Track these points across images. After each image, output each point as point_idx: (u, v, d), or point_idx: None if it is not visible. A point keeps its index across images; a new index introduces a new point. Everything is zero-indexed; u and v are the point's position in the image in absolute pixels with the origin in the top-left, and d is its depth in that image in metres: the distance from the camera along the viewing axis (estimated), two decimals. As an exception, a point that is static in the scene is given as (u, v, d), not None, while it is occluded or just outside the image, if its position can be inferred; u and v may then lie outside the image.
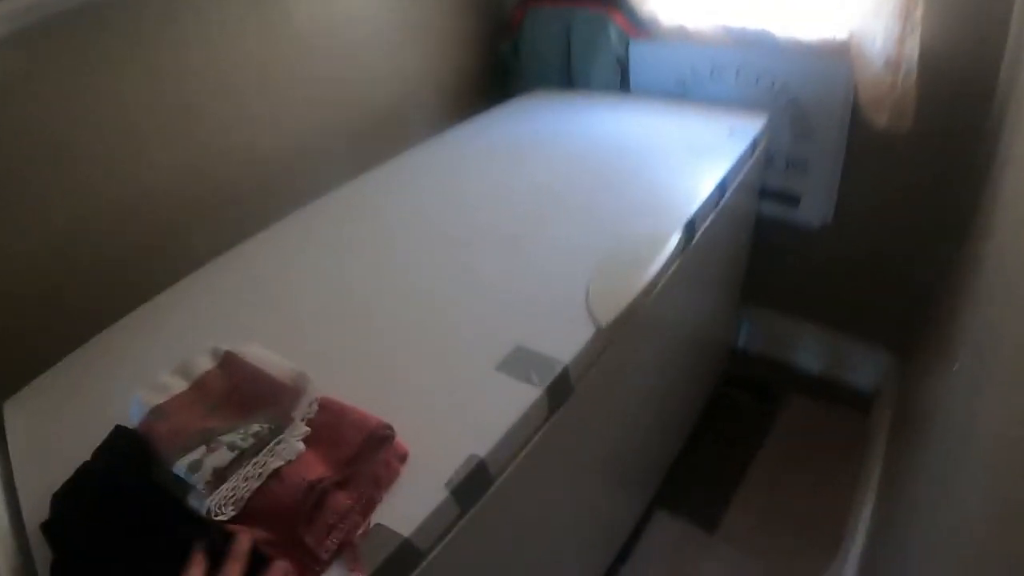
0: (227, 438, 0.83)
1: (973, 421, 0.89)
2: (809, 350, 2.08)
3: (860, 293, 1.88)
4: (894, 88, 1.45)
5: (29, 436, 0.93)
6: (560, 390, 0.96)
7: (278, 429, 0.86)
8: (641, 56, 1.85)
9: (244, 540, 0.72)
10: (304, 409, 0.89)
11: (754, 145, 1.50)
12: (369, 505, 0.79)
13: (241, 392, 0.92)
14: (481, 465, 0.83)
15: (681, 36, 1.76)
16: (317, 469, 0.79)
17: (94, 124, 1.24)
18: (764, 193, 1.81)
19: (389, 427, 0.84)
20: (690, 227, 1.23)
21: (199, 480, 0.79)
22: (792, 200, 1.80)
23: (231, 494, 0.78)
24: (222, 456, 0.81)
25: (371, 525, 0.77)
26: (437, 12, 1.91)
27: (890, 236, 1.74)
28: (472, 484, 0.84)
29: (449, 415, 0.91)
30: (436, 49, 1.95)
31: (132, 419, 0.88)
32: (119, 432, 0.87)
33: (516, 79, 2.08)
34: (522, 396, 0.90)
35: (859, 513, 1.56)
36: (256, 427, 0.85)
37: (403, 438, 0.85)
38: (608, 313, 1.02)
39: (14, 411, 1.00)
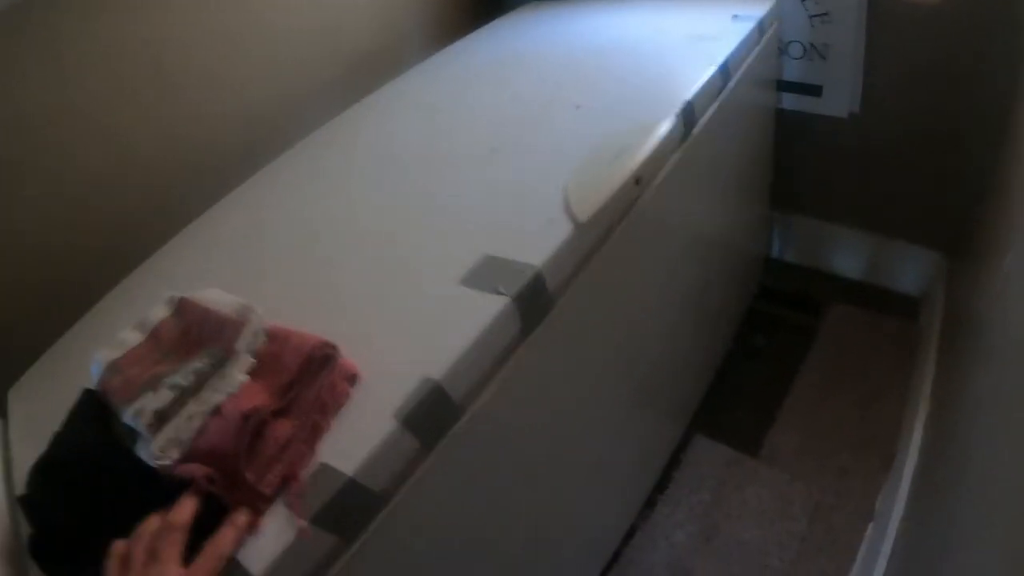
0: (169, 379, 0.76)
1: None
2: (849, 255, 1.94)
3: (898, 188, 1.73)
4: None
5: (29, 422, 0.94)
6: (535, 299, 0.84)
7: (220, 363, 0.78)
8: None
9: (187, 505, 0.65)
10: (248, 340, 0.80)
11: (760, 28, 1.36)
12: (314, 433, 0.71)
13: (190, 335, 0.85)
14: (438, 391, 0.73)
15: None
16: (258, 399, 0.72)
17: (64, 88, 1.18)
18: (782, 85, 1.68)
19: (331, 345, 0.75)
20: (688, 114, 1.10)
21: (142, 426, 0.72)
22: (814, 90, 1.66)
23: (173, 435, 0.71)
24: (162, 397, 0.74)
25: (319, 458, 0.69)
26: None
27: (925, 122, 1.58)
28: (432, 413, 0.74)
29: (405, 335, 0.81)
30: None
31: (94, 379, 0.83)
32: (84, 395, 0.83)
33: None
34: (487, 309, 0.79)
35: (911, 428, 1.44)
36: (198, 364, 0.77)
37: (359, 364, 0.77)
38: (587, 208, 0.90)
39: (17, 398, 1.01)
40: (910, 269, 1.83)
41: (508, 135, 1.17)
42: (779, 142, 1.73)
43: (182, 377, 0.75)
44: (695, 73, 1.18)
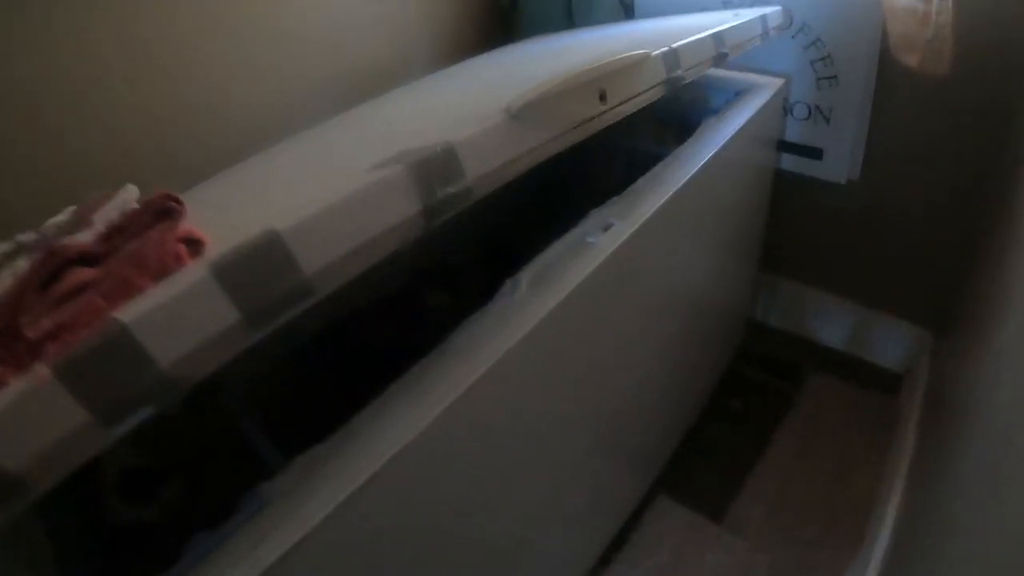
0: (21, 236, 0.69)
1: (1017, 407, 0.74)
2: (833, 323, 1.86)
3: (889, 260, 1.67)
4: (928, 22, 1.29)
5: None
6: (442, 176, 0.72)
7: (70, 229, 0.69)
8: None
9: None
10: (108, 212, 0.69)
11: (774, 97, 1.34)
12: (121, 288, 0.56)
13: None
14: (274, 245, 0.59)
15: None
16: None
17: (60, 69, 1.15)
18: (783, 145, 1.64)
19: (174, 198, 0.64)
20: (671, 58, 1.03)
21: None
22: (815, 153, 1.62)
23: None
24: None
25: (114, 314, 0.53)
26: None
27: (923, 195, 1.53)
28: (263, 274, 0.59)
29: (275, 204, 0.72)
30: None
31: None
32: None
33: (516, 29, 1.95)
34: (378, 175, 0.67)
35: (885, 505, 1.34)
36: (48, 224, 0.70)
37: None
38: (523, 100, 0.80)
39: None
40: (894, 343, 1.76)
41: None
42: (774, 202, 1.67)
43: (25, 236, 0.68)
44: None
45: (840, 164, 1.59)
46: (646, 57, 0.96)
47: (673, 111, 1.45)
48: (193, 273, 0.56)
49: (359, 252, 0.65)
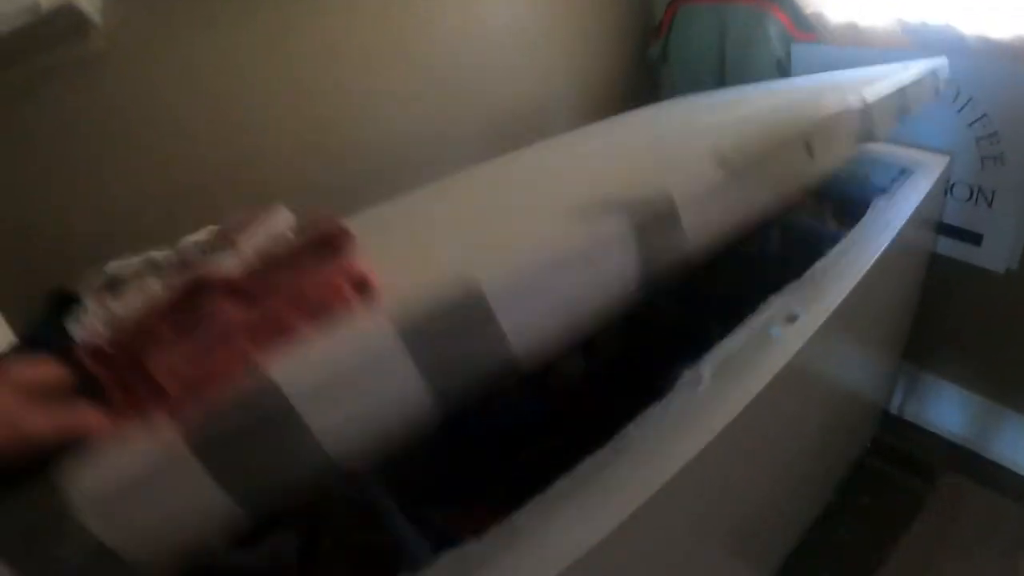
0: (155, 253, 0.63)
1: None
2: (973, 424, 1.74)
3: (1042, 363, 1.55)
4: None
5: None
6: (661, 226, 0.64)
7: (214, 250, 0.63)
8: (804, 59, 1.62)
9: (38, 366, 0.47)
10: (258, 237, 0.64)
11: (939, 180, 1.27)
12: (276, 331, 0.49)
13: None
14: (477, 296, 0.51)
15: (851, 36, 1.52)
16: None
17: (202, 86, 1.19)
18: (942, 228, 1.54)
19: (345, 231, 0.57)
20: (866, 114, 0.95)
21: (89, 292, 0.58)
22: (974, 238, 1.51)
23: (106, 309, 0.56)
24: (125, 265, 0.61)
25: (269, 361, 0.47)
26: (584, 12, 1.78)
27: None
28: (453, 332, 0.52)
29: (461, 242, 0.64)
30: (581, 49, 1.80)
31: None
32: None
33: (666, 84, 1.91)
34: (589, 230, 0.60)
35: None
36: (188, 243, 0.64)
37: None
38: (743, 155, 0.74)
39: None
40: (1040, 451, 1.64)
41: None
42: (926, 289, 1.58)
43: (163, 254, 0.62)
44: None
45: (999, 251, 1.47)
46: (847, 109, 0.89)
47: (831, 184, 1.36)
48: (371, 328, 0.48)
49: (570, 317, 0.56)
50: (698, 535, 0.97)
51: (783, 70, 1.64)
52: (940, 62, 1.25)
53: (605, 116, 1.61)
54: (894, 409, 1.87)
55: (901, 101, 1.06)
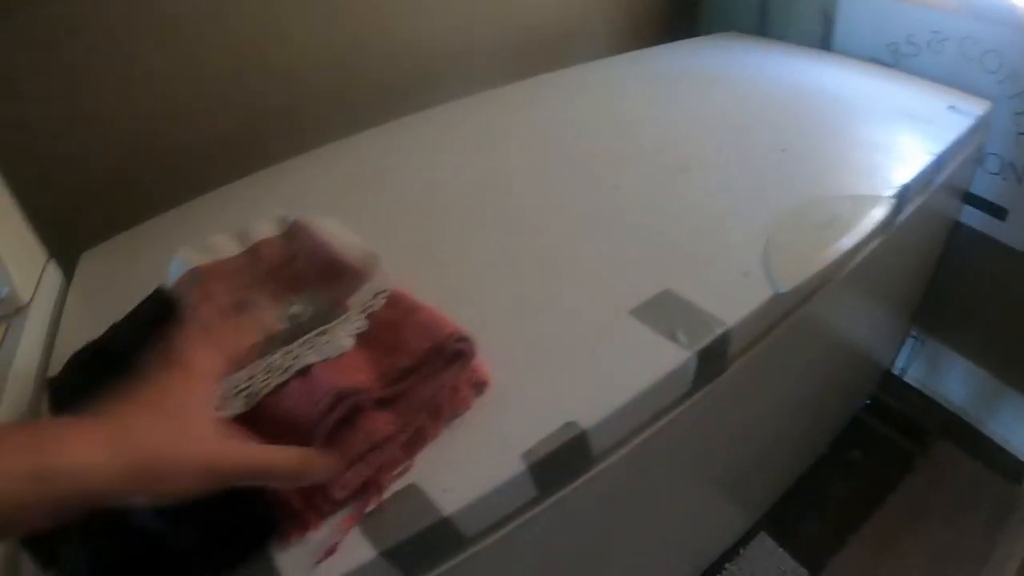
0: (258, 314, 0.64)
1: None
2: (972, 396, 1.77)
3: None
4: None
5: (90, 291, 0.92)
6: (713, 361, 0.71)
7: (325, 316, 0.65)
8: (851, 10, 1.55)
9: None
10: (365, 298, 0.68)
11: (976, 128, 1.21)
12: (418, 439, 0.58)
13: (296, 265, 0.72)
14: (581, 441, 0.60)
15: (900, -10, 1.47)
16: (359, 377, 0.58)
17: None
18: (967, 198, 1.52)
19: (467, 339, 0.61)
20: (901, 200, 0.95)
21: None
22: (999, 212, 1.50)
23: (246, 386, 0.58)
24: None
25: (411, 468, 0.57)
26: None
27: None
28: (563, 464, 0.61)
29: (551, 357, 0.68)
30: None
31: (171, 278, 0.71)
32: (155, 293, 0.70)
33: (701, 19, 1.85)
34: (661, 356, 0.66)
35: None
36: (298, 307, 0.65)
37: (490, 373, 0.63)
38: (791, 276, 0.76)
39: (89, 263, 0.99)
40: (1029, 432, 1.67)
41: (701, 159, 1.04)
42: (943, 256, 1.58)
43: (277, 318, 0.64)
44: (909, 155, 1.03)
45: (1022, 229, 1.45)
46: (887, 210, 0.91)
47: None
48: (506, 461, 0.57)
49: (633, 424, 0.68)
50: (696, 473, 1.02)
51: (828, 17, 1.59)
52: (986, 108, 1.24)
53: (634, 45, 1.59)
54: (897, 370, 1.89)
55: (932, 174, 1.07)
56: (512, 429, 0.59)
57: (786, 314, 0.82)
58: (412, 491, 0.55)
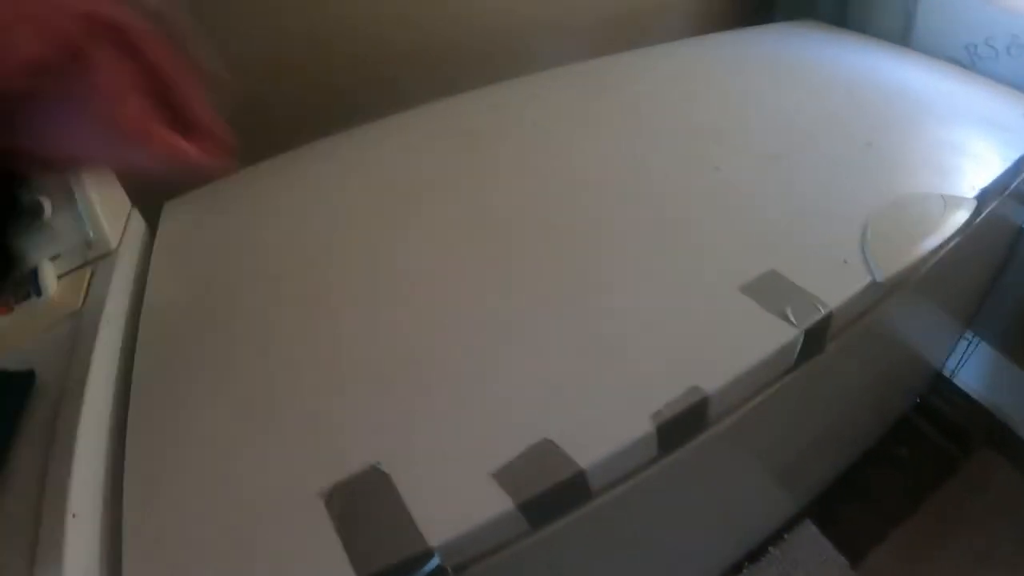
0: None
1: None
2: (1020, 405, 1.77)
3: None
4: None
5: (176, 240, 0.95)
6: (815, 341, 0.74)
7: None
8: (933, 7, 1.55)
9: None
10: None
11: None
12: None
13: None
14: (702, 406, 0.64)
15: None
16: None
17: None
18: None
19: None
20: (981, 201, 0.98)
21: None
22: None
23: None
24: None
25: None
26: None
27: None
28: (685, 427, 0.65)
29: (673, 329, 0.72)
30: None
31: None
32: None
33: (780, 5, 1.84)
34: (772, 331, 0.70)
35: None
36: None
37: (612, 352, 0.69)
38: (889, 265, 0.79)
39: (172, 213, 1.02)
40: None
41: (791, 146, 1.07)
42: (1006, 262, 1.58)
43: None
44: (988, 160, 1.06)
45: (1084, 239, 1.47)
46: (972, 209, 0.94)
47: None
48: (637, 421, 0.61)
49: (743, 393, 0.72)
50: (775, 449, 1.06)
51: (909, 12, 1.59)
52: None
53: (715, 27, 1.60)
54: (947, 372, 1.89)
55: (1007, 180, 1.09)
56: (640, 394, 0.63)
57: (875, 304, 0.85)
58: (548, 446, 0.59)
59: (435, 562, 0.53)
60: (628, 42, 1.48)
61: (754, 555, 1.47)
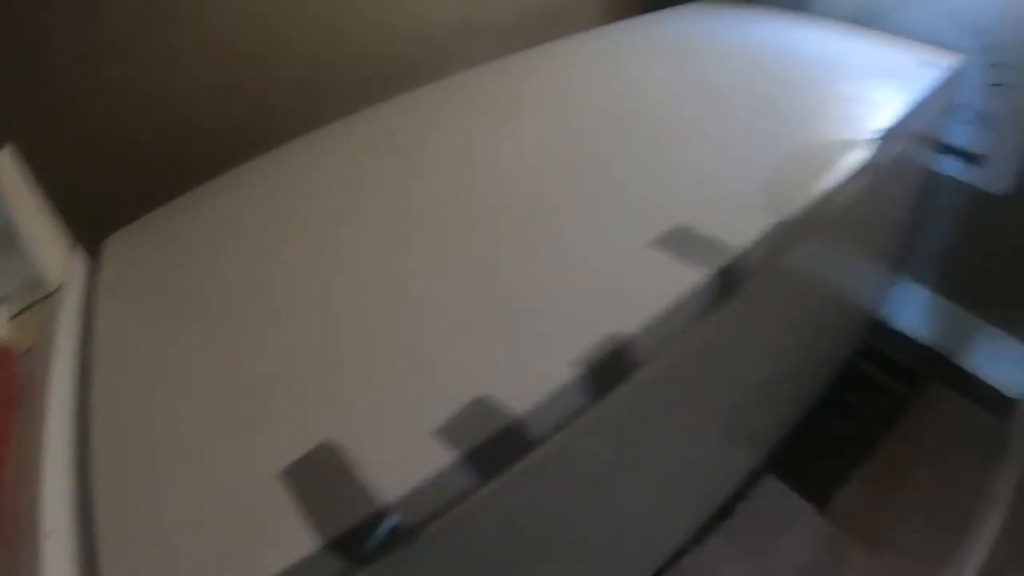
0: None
1: None
2: (961, 338, 1.84)
3: None
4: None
5: (121, 276, 0.95)
6: (726, 284, 0.79)
7: None
8: None
9: None
10: None
11: (947, 80, 1.29)
12: None
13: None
14: (623, 347, 0.68)
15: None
16: None
17: None
18: (942, 148, 1.59)
19: None
20: (883, 141, 1.04)
21: None
22: (974, 159, 1.58)
23: None
24: None
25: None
26: None
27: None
28: (609, 372, 0.69)
29: (584, 284, 0.77)
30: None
31: None
32: None
33: None
34: (683, 277, 0.75)
35: (981, 530, 1.37)
36: None
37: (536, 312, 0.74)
38: (793, 205, 0.85)
39: (114, 249, 1.02)
40: (1016, 368, 1.73)
41: (693, 114, 1.12)
42: (924, 204, 1.65)
43: None
44: (886, 106, 1.12)
45: (999, 174, 1.54)
46: (875, 149, 1.01)
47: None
48: (560, 368, 0.65)
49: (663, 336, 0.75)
50: (698, 415, 1.11)
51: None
52: (951, 59, 1.33)
53: (620, 13, 1.65)
54: (886, 317, 1.96)
55: (906, 122, 1.14)
56: (563, 345, 0.67)
57: (785, 246, 0.90)
58: (481, 401, 0.63)
59: (391, 520, 0.57)
60: (544, 36, 1.51)
61: (723, 514, 1.52)
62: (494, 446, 0.61)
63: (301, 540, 0.55)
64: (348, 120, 1.24)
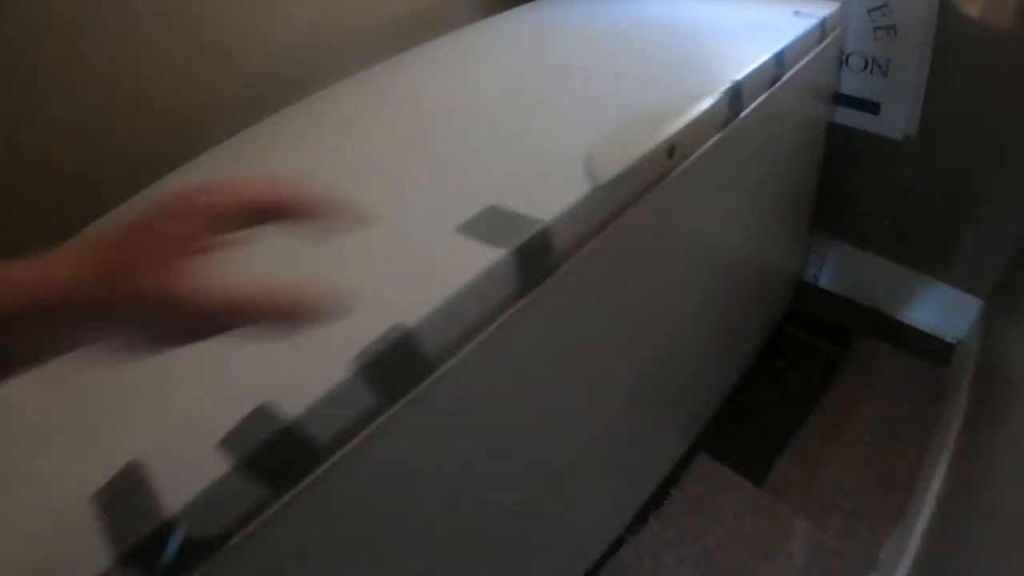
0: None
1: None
2: (886, 289, 1.82)
3: (944, 225, 1.62)
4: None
5: None
6: (536, 256, 0.74)
7: None
8: None
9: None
10: None
11: (822, 28, 1.26)
12: None
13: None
14: (408, 339, 0.64)
15: None
16: None
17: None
18: (839, 99, 1.58)
19: None
20: (735, 94, 1.00)
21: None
22: (871, 107, 1.55)
23: None
24: None
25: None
26: None
27: (982, 156, 1.47)
28: (398, 365, 0.64)
29: (381, 276, 0.72)
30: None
31: None
32: None
33: None
34: (479, 259, 0.70)
35: (930, 478, 1.34)
36: None
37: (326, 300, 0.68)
38: (609, 169, 0.80)
39: None
40: (947, 311, 1.72)
41: (538, 94, 1.08)
42: (828, 159, 1.63)
43: None
44: (747, 57, 1.08)
45: (897, 119, 1.52)
46: (715, 103, 0.96)
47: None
48: (338, 367, 0.61)
49: (465, 321, 0.71)
50: (621, 397, 1.09)
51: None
52: (832, 9, 1.30)
53: (498, 9, 1.60)
54: (809, 278, 1.94)
55: (777, 70, 1.12)
56: (344, 341, 0.63)
57: (624, 209, 0.86)
58: (265, 408, 0.60)
59: (180, 534, 0.54)
60: (416, 42, 1.48)
61: (656, 500, 1.49)
62: (274, 451, 0.57)
63: (99, 555, 0.52)
64: (211, 152, 1.19)
